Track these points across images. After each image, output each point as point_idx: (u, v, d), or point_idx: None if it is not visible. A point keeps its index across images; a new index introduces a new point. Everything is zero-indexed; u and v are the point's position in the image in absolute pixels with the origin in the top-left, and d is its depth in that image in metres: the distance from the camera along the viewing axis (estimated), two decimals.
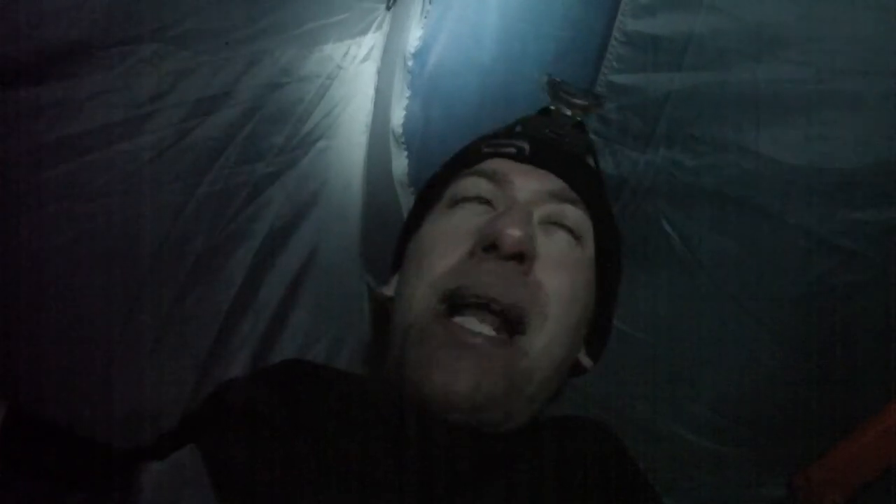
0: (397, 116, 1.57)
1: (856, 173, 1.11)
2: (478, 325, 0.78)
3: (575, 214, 0.89)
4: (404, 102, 1.57)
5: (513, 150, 0.91)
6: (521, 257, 0.79)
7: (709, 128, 1.22)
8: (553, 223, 0.87)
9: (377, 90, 1.58)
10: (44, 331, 0.92)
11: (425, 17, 1.49)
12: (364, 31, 1.43)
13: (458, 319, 0.78)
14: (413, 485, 0.68)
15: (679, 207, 1.29)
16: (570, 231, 0.88)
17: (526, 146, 0.91)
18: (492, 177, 0.89)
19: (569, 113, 1.03)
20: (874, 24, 1.04)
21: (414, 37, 1.50)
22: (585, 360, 0.95)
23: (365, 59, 1.49)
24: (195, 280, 1.13)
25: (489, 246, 0.79)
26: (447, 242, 0.84)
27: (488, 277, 0.78)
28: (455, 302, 0.79)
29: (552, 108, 1.03)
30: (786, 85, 1.12)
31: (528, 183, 0.88)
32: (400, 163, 1.61)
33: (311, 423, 0.74)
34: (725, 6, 1.13)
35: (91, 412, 0.98)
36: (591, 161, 1.02)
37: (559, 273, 0.83)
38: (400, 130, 1.59)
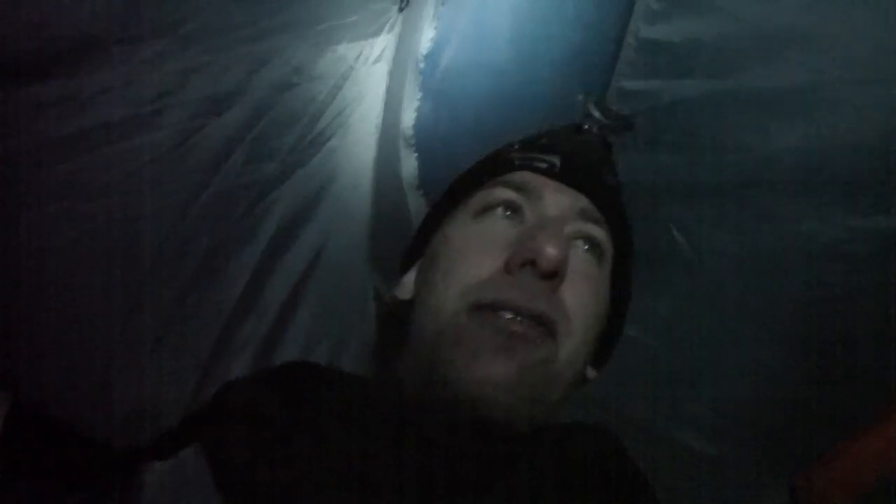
0: (408, 118, 1.57)
1: (864, 180, 1.10)
2: (511, 315, 0.78)
3: (599, 233, 0.89)
4: (415, 104, 1.56)
5: (544, 165, 0.91)
6: (555, 275, 0.79)
7: (719, 133, 1.22)
8: (580, 240, 0.88)
9: (388, 91, 1.58)
10: (44, 330, 0.93)
11: (437, 19, 1.49)
12: (377, 33, 1.43)
13: (496, 315, 0.78)
14: (413, 486, 0.68)
15: (689, 211, 1.29)
16: (596, 249, 0.88)
17: (557, 162, 0.91)
18: (522, 189, 0.89)
19: (598, 131, 1.04)
20: (879, 28, 1.04)
21: (426, 38, 1.50)
22: (590, 372, 0.95)
23: (377, 61, 1.49)
24: (198, 280, 1.13)
25: (527, 262, 0.79)
26: (480, 252, 0.84)
27: (523, 293, 0.79)
28: (487, 310, 0.79)
29: (585, 126, 1.04)
30: (798, 89, 1.12)
31: (559, 199, 0.88)
32: (409, 164, 1.60)
33: (312, 424, 0.74)
34: (737, 11, 1.13)
35: (91, 412, 0.98)
36: (616, 181, 1.02)
37: (585, 290, 0.84)
38: (410, 132, 1.59)
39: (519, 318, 0.77)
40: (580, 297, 0.83)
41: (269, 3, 1.12)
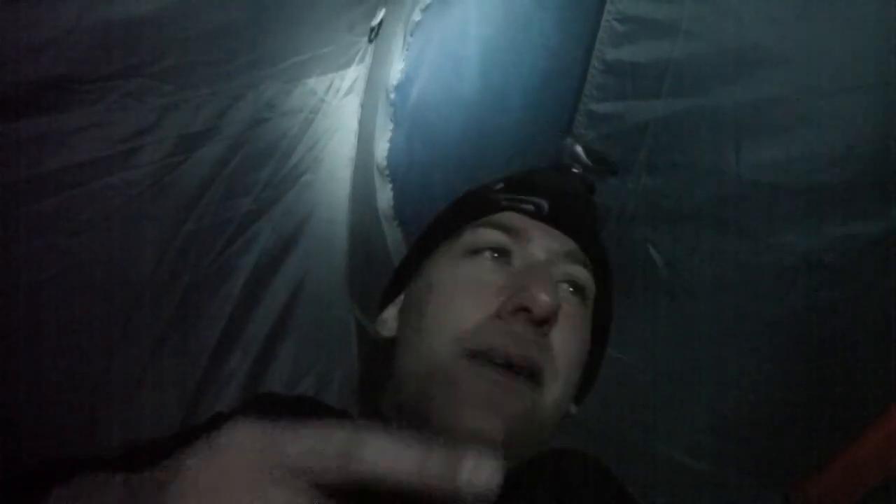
0: (381, 149, 1.58)
1: (840, 189, 1.12)
2: (503, 370, 0.79)
3: (583, 275, 0.90)
4: (388, 135, 1.57)
5: (532, 207, 0.92)
6: (547, 322, 0.80)
7: (690, 152, 1.23)
8: (565, 283, 0.88)
9: (360, 123, 1.58)
10: (35, 364, 0.91)
11: (407, 50, 1.50)
12: (347, 65, 1.44)
13: (485, 365, 0.79)
14: None
15: (663, 233, 1.30)
16: (580, 291, 0.89)
17: (546, 204, 0.92)
18: (510, 230, 0.89)
19: (580, 172, 1.06)
20: (851, 42, 1.06)
21: (396, 69, 1.51)
22: (573, 408, 0.95)
23: (348, 93, 1.50)
24: (182, 316, 1.12)
25: (520, 309, 0.80)
26: (471, 297, 0.84)
27: (516, 340, 0.79)
28: (479, 359, 0.80)
29: (571, 168, 1.05)
30: (767, 105, 1.14)
31: (546, 243, 0.89)
32: (385, 195, 1.61)
33: None
34: (702, 31, 1.15)
35: (78, 446, 0.96)
36: (595, 221, 1.04)
37: (570, 334, 0.85)
38: (384, 163, 1.59)
39: (509, 369, 0.78)
40: (566, 341, 0.83)
41: (240, 40, 1.12)
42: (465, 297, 0.84)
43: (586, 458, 0.87)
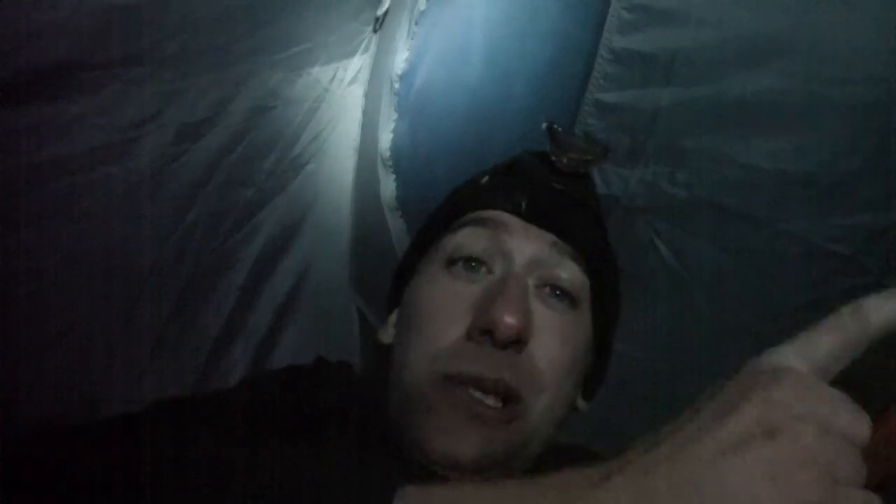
0: (385, 139, 1.56)
1: (846, 179, 1.11)
2: (477, 394, 0.77)
3: (571, 273, 0.86)
4: (391, 125, 1.56)
5: (509, 206, 0.90)
6: (517, 342, 0.78)
7: (699, 141, 1.21)
8: (548, 286, 0.86)
9: (364, 113, 1.57)
10: (39, 348, 0.91)
11: (411, 39, 1.49)
12: (351, 54, 1.43)
13: (458, 390, 0.77)
14: None
15: (671, 222, 1.29)
16: (567, 294, 0.86)
17: (523, 202, 0.89)
18: (486, 231, 0.87)
19: (570, 162, 1.00)
20: (862, 32, 1.05)
21: (400, 59, 1.50)
22: (581, 404, 0.93)
23: (352, 82, 1.49)
24: (184, 305, 1.12)
25: (486, 331, 0.78)
26: (444, 315, 0.82)
27: (486, 364, 0.77)
28: (453, 381, 0.78)
29: (553, 157, 1.00)
30: (775, 95, 1.12)
31: (524, 245, 0.85)
32: (388, 185, 1.59)
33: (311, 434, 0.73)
34: (713, 19, 1.14)
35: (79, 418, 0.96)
36: (593, 206, 0.99)
37: (555, 345, 0.81)
38: (388, 153, 1.58)
39: (483, 395, 0.76)
40: (550, 352, 0.80)
41: (243, 28, 1.11)
42: (438, 316, 0.82)
43: (590, 454, 0.86)
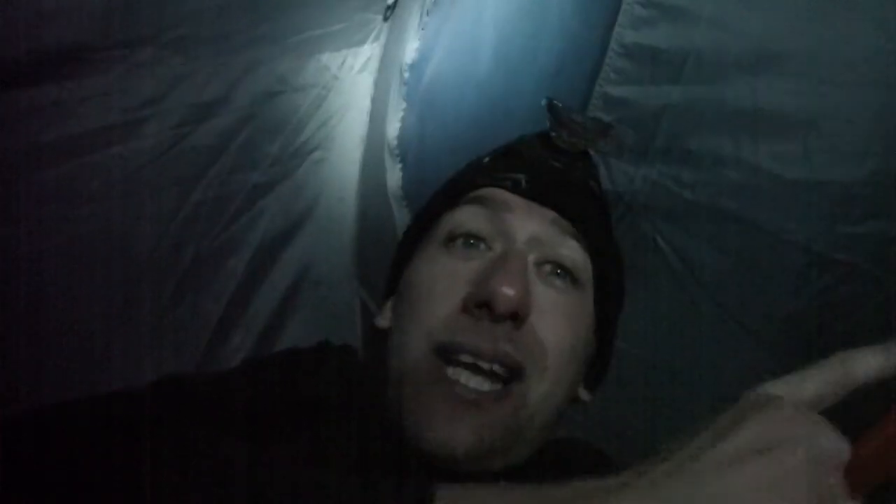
0: (393, 128, 1.56)
1: (853, 186, 1.10)
2: (473, 380, 0.76)
3: (572, 251, 0.85)
4: (400, 114, 1.55)
5: (509, 183, 0.88)
6: (515, 316, 0.77)
7: (706, 142, 1.21)
8: (549, 263, 0.85)
9: (373, 101, 1.57)
10: (42, 331, 0.91)
11: (423, 30, 1.48)
12: (361, 42, 1.42)
13: (451, 372, 0.76)
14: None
15: (675, 223, 1.28)
16: (568, 272, 0.85)
17: (523, 179, 0.88)
18: (486, 210, 0.85)
19: (570, 140, 0.98)
20: (872, 38, 1.04)
21: (411, 49, 1.49)
22: (584, 394, 0.92)
23: (361, 70, 1.48)
24: (185, 290, 1.12)
25: (483, 304, 0.77)
26: (441, 290, 0.80)
27: (483, 336, 0.75)
28: (449, 356, 0.77)
29: (553, 134, 0.98)
30: (784, 99, 1.12)
31: (524, 223, 0.84)
32: (394, 176, 1.59)
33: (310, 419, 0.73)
34: (726, 20, 1.13)
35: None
36: (594, 187, 0.98)
37: (557, 323, 0.80)
38: (395, 143, 1.57)
39: (483, 378, 0.75)
40: (553, 331, 0.78)
41: (253, 12, 1.11)
42: (435, 291, 0.80)
43: (589, 448, 0.85)
